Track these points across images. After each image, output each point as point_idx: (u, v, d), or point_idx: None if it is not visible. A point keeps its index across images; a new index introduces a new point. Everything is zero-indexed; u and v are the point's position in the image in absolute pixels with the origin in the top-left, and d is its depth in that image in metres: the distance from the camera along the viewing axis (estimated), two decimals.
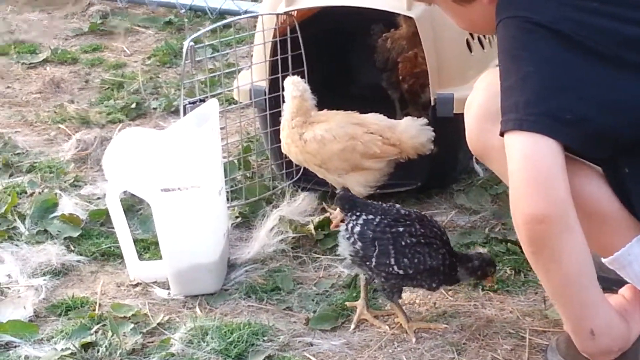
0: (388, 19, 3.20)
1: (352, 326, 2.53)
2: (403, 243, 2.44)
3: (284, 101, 2.96)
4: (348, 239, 2.46)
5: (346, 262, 2.54)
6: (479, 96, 2.24)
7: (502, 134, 2.03)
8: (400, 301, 2.53)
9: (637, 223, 2.09)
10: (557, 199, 1.96)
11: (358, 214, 2.46)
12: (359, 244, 2.44)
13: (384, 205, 2.52)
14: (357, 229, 2.45)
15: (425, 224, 2.48)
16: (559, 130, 1.96)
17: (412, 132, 2.92)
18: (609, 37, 2.00)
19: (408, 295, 2.64)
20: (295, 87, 2.90)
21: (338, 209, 2.98)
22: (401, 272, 2.44)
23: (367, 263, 2.46)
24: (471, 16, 2.23)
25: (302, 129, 2.90)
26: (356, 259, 2.47)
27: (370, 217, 2.45)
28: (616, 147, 2.03)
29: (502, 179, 2.27)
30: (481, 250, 2.56)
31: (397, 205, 2.53)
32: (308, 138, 2.89)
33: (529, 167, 1.97)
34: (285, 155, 3.01)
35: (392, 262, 2.44)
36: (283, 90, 3.00)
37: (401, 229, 2.45)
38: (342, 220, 2.57)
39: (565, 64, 2.00)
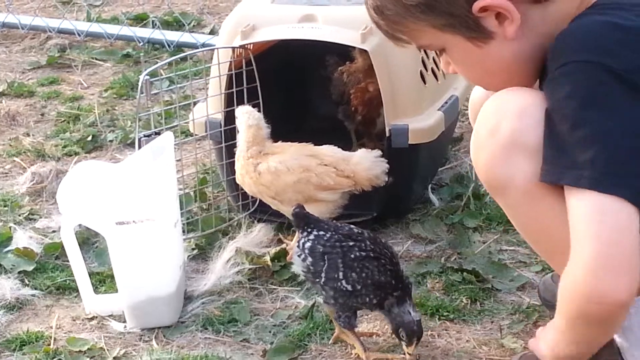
0: (343, 51, 3.22)
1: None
2: (352, 256, 2.45)
3: (238, 132, 2.96)
4: (299, 255, 2.49)
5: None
6: (511, 123, 2.01)
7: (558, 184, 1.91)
8: (356, 330, 2.54)
9: None
10: (632, 283, 1.85)
11: (310, 230, 2.49)
12: (309, 259, 2.47)
13: (338, 223, 2.56)
14: (308, 244, 2.48)
15: (377, 242, 2.50)
16: (637, 194, 1.83)
17: (367, 164, 2.94)
18: None
19: (365, 325, 2.65)
20: (250, 116, 2.91)
21: (294, 240, 2.99)
22: (349, 287, 2.45)
23: (317, 280, 2.48)
24: (488, 61, 2.06)
25: (257, 159, 2.91)
26: (308, 275, 2.50)
27: (322, 232, 2.48)
28: None
29: (511, 217, 2.15)
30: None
31: (352, 225, 2.55)
32: (262, 170, 2.90)
33: (606, 237, 1.83)
34: (241, 187, 3.01)
35: (341, 277, 2.45)
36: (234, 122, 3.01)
37: (351, 244, 2.47)
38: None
39: None
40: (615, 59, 1.88)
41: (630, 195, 1.84)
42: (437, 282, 2.83)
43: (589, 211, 1.85)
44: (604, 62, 1.87)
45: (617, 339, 2.10)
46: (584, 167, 1.86)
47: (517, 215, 2.12)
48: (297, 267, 2.52)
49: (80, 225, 2.87)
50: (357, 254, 2.46)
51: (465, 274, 2.84)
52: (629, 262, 1.84)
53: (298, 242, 2.52)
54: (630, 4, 1.98)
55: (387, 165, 2.94)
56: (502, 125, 2.02)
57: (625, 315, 1.91)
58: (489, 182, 2.10)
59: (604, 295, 1.84)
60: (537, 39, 2.03)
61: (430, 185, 3.32)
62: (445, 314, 2.69)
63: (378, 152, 2.95)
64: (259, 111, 3.00)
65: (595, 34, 1.93)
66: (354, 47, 3.17)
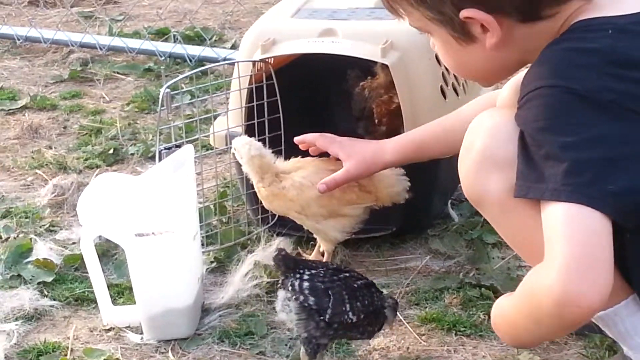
0: (364, 65, 3.22)
1: None
2: (355, 286, 2.45)
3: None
4: (296, 299, 2.42)
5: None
6: (482, 139, 2.14)
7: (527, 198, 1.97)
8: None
9: (626, 286, 2.07)
10: (605, 288, 1.87)
11: (301, 270, 2.46)
12: (312, 298, 2.42)
13: (314, 261, 2.60)
14: (306, 284, 2.43)
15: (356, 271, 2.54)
16: (602, 201, 1.88)
17: (389, 181, 2.94)
18: None
19: (381, 339, 2.65)
20: (251, 147, 2.90)
21: (312, 254, 3.00)
22: (355, 319, 2.44)
23: (321, 318, 2.43)
24: (465, 58, 2.16)
25: (279, 181, 2.90)
26: (307, 316, 2.43)
27: (314, 271, 2.45)
28: None
29: (496, 228, 2.24)
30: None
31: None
32: (287, 185, 2.90)
33: (578, 241, 1.87)
34: (263, 204, 3.00)
35: (347, 309, 2.43)
36: (259, 136, 3.02)
37: (347, 275, 2.47)
38: (281, 283, 2.49)
39: (608, 135, 1.92)
40: (580, 82, 1.94)
41: (594, 202, 1.87)
42: (454, 298, 2.82)
43: (557, 220, 1.89)
44: (569, 85, 1.95)
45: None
46: (548, 180, 1.92)
47: (499, 227, 2.21)
48: (289, 313, 2.44)
49: (100, 237, 2.88)
50: (357, 283, 2.47)
51: (483, 289, 2.83)
52: (601, 267, 1.86)
53: (289, 285, 2.44)
54: (599, 24, 2.02)
55: (409, 183, 2.94)
56: (475, 142, 2.15)
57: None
58: (469, 196, 2.21)
59: (576, 299, 1.85)
60: (518, 54, 2.13)
61: (450, 201, 3.32)
62: (462, 329, 2.68)
63: (401, 170, 2.95)
64: (280, 124, 3.00)
65: (560, 61, 2.00)
66: (375, 62, 3.17)
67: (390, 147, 2.83)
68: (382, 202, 2.95)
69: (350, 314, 2.43)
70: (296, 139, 2.96)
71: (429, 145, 2.83)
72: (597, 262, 1.86)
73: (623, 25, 2.01)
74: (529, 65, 2.11)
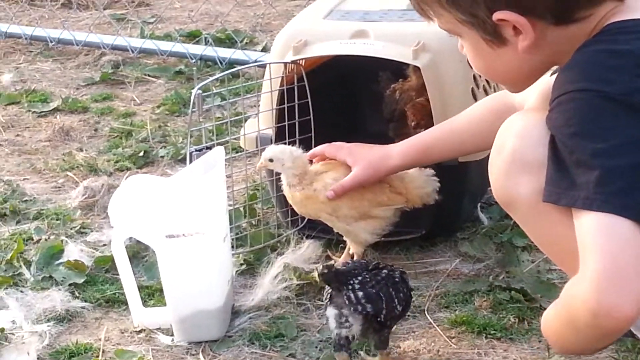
0: (396, 67, 3.22)
1: None
2: (396, 280, 2.50)
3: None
4: (355, 310, 2.42)
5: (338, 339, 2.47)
6: (512, 142, 2.13)
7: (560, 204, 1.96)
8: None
9: None
10: (638, 295, 1.85)
11: (351, 281, 2.45)
12: (369, 306, 2.42)
13: (352, 262, 2.63)
14: (361, 293, 2.43)
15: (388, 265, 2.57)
16: (634, 210, 1.86)
17: (419, 182, 2.94)
18: None
19: (411, 342, 2.64)
20: (291, 150, 2.91)
21: (342, 257, 3.00)
22: (400, 309, 2.49)
23: (378, 319, 2.45)
24: (495, 61, 2.13)
25: (310, 183, 2.91)
26: (365, 324, 2.44)
27: (360, 278, 2.46)
28: None
29: (525, 231, 2.23)
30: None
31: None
32: (319, 187, 2.90)
33: (610, 251, 1.85)
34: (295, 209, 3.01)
35: (396, 303, 2.47)
36: (289, 138, 3.03)
37: (384, 272, 2.50)
38: (329, 300, 2.48)
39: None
40: (611, 85, 1.92)
41: (627, 211, 1.86)
42: (484, 301, 2.81)
43: (591, 230, 1.88)
44: (600, 88, 1.92)
45: None
46: (580, 188, 1.91)
47: (528, 229, 2.20)
48: (351, 327, 2.44)
49: (130, 238, 2.90)
50: (396, 277, 2.50)
51: (513, 292, 2.82)
52: (635, 277, 1.84)
53: (337, 303, 2.44)
54: (632, 26, 2.00)
55: (439, 184, 2.94)
56: (505, 145, 2.14)
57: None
58: (499, 198, 2.20)
59: (611, 310, 1.84)
60: (549, 57, 2.10)
61: (479, 204, 3.31)
62: (492, 332, 2.67)
63: (431, 171, 2.94)
64: (310, 126, 3.00)
65: (591, 64, 1.98)
66: (407, 65, 3.17)
67: (397, 152, 2.84)
68: (412, 203, 2.95)
69: (398, 307, 2.48)
70: (307, 155, 2.97)
71: (435, 148, 2.83)
72: (629, 272, 1.84)
73: None
74: (554, 68, 2.10)
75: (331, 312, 2.45)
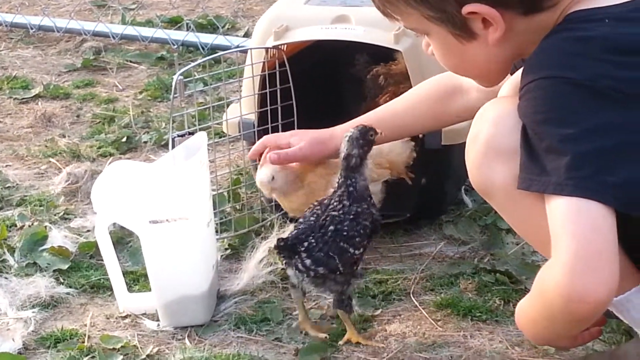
0: (377, 52, 3.22)
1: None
2: (345, 227, 2.54)
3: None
4: (308, 276, 2.51)
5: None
6: (487, 130, 2.14)
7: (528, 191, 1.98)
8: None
9: (637, 272, 2.08)
10: (611, 281, 1.87)
11: (300, 250, 2.51)
12: (320, 268, 2.50)
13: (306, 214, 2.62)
14: (308, 261, 2.50)
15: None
16: (605, 193, 1.88)
17: (397, 150, 2.98)
18: None
19: (397, 325, 2.65)
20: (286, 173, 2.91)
21: None
22: (358, 252, 2.53)
23: (337, 273, 2.51)
24: (465, 56, 2.15)
25: (303, 183, 2.91)
26: (320, 283, 2.54)
27: (306, 244, 2.51)
28: None
29: (503, 217, 2.26)
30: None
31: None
32: (311, 180, 2.90)
33: (582, 235, 1.87)
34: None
35: (352, 251, 2.52)
36: (271, 123, 3.02)
37: (335, 223, 2.53)
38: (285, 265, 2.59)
39: (608, 123, 1.92)
40: (577, 71, 1.94)
41: (597, 194, 1.88)
42: (469, 283, 2.82)
43: (562, 214, 1.90)
44: (566, 75, 1.94)
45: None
46: (551, 174, 1.92)
47: (506, 216, 2.22)
48: (308, 286, 2.56)
49: (114, 224, 2.89)
50: (347, 221, 2.54)
51: (498, 275, 2.83)
52: (606, 261, 1.86)
53: (294, 269, 2.54)
54: (595, 14, 2.02)
55: (413, 142, 2.97)
56: (480, 133, 2.15)
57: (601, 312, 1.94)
58: (476, 186, 2.22)
59: (583, 294, 1.86)
60: (518, 48, 2.12)
61: (463, 187, 3.31)
62: (478, 314, 2.69)
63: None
64: (293, 111, 3.00)
65: (557, 51, 2.00)
66: (394, 49, 3.17)
67: (341, 131, 2.81)
68: (397, 171, 2.99)
69: (355, 252, 2.53)
70: (250, 156, 3.00)
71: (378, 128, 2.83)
72: (601, 256, 1.86)
73: (620, 13, 2.01)
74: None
75: (290, 272, 2.56)
